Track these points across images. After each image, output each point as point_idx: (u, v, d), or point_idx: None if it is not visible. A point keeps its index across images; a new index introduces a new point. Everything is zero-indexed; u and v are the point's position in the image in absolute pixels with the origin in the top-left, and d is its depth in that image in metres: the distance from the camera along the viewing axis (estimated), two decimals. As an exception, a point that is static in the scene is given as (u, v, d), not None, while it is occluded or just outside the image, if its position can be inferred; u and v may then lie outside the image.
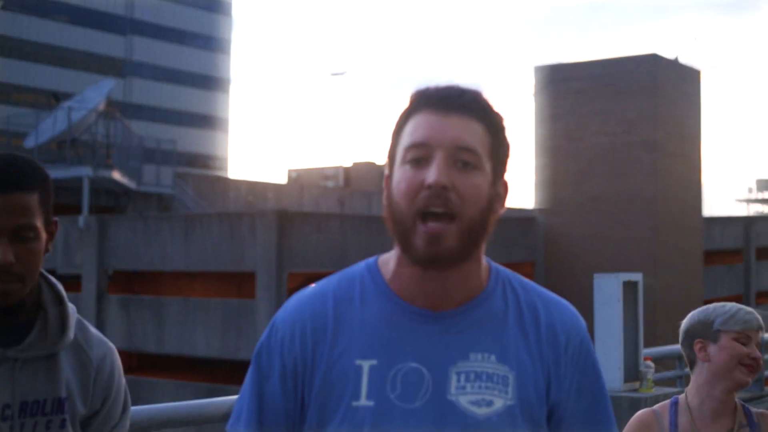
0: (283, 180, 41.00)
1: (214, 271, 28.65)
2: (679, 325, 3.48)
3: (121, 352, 2.36)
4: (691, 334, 3.40)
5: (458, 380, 1.87)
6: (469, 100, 1.89)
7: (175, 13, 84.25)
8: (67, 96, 44.05)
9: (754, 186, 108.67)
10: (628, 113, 32.68)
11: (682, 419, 3.34)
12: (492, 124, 1.90)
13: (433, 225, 1.81)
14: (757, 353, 3.28)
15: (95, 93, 37.53)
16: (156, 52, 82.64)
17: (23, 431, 2.21)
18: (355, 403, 1.86)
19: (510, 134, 1.96)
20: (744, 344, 3.29)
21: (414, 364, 1.87)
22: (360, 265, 2.02)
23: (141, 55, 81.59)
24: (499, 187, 1.93)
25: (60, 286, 2.35)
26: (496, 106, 1.93)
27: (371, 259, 2.02)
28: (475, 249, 1.89)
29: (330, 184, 60.38)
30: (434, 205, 1.81)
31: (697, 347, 3.37)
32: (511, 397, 1.88)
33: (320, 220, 27.71)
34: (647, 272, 31.00)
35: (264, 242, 26.16)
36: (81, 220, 29.47)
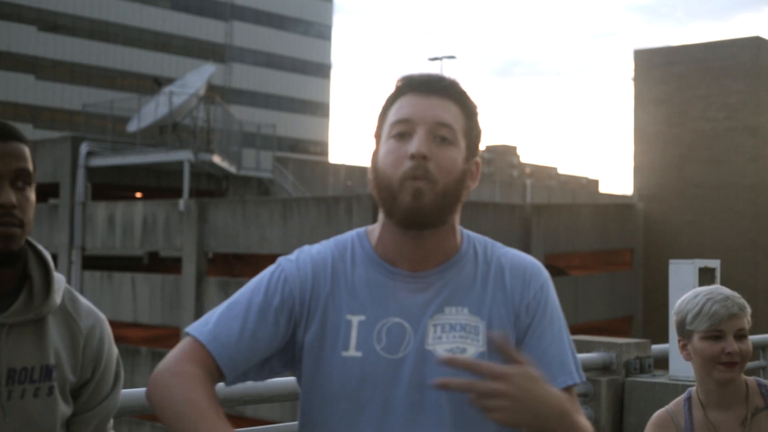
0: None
1: (311, 255, 28.74)
2: None
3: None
4: (677, 330, 3.17)
5: (435, 332, 2.09)
6: (448, 86, 2.16)
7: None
8: (169, 81, 44.74)
9: None
10: (729, 98, 32.05)
11: (696, 413, 3.13)
12: (467, 108, 2.16)
13: (417, 182, 2.04)
14: (733, 347, 3.02)
15: (196, 78, 37.92)
16: (257, 37, 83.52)
17: (11, 399, 2.21)
18: (345, 354, 2.09)
19: (482, 122, 2.21)
20: (718, 338, 3.04)
21: (397, 319, 2.10)
22: (351, 233, 2.25)
23: (242, 40, 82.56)
24: (471, 165, 2.17)
25: (46, 253, 2.37)
26: (472, 95, 2.19)
27: (361, 229, 2.26)
28: (449, 214, 2.12)
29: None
30: (416, 173, 2.05)
31: (680, 345, 3.14)
32: (482, 344, 2.09)
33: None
34: (748, 260, 30.68)
35: (360, 225, 25.84)
36: (181, 203, 29.63)
